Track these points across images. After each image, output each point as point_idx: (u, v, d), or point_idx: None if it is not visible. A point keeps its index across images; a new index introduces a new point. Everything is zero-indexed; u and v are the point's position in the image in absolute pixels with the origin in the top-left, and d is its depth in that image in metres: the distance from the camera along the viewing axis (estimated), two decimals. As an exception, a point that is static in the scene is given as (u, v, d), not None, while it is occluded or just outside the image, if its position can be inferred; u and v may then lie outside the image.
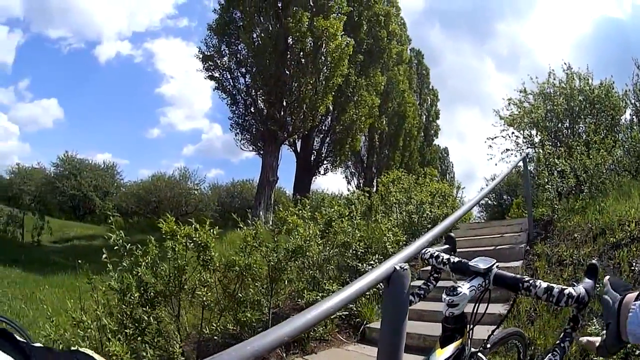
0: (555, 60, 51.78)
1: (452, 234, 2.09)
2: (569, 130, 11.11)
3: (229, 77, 17.01)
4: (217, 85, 17.08)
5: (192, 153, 56.57)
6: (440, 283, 1.95)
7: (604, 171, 8.01)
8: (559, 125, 11.14)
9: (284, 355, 5.26)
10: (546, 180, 7.85)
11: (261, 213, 14.89)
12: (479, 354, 1.75)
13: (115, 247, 4.97)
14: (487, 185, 20.16)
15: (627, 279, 4.62)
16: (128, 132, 59.63)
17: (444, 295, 1.55)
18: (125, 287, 4.90)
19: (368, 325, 5.86)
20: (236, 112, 17.52)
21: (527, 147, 11.24)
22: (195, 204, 25.12)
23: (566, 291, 1.47)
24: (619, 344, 1.38)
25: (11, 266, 11.58)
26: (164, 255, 5.26)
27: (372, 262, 6.78)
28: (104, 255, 4.85)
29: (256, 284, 5.75)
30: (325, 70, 16.14)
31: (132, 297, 4.89)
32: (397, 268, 1.81)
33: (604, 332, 1.44)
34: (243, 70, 16.84)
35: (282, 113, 16.27)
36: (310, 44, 15.75)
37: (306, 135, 19.42)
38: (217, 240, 5.53)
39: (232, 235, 9.77)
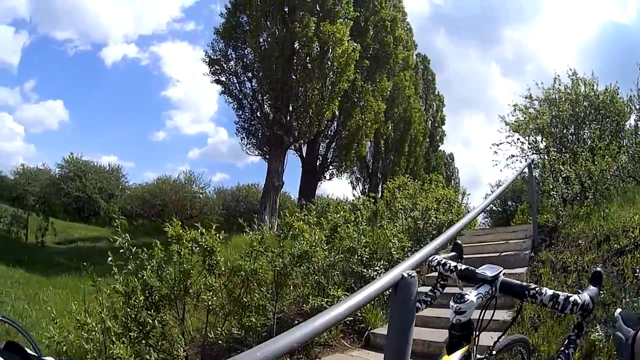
0: (560, 64, 51.83)
1: (458, 241, 2.10)
2: (574, 136, 11.10)
3: (235, 81, 17.03)
4: (223, 89, 17.11)
5: (198, 157, 56.60)
6: (446, 289, 1.96)
7: (609, 177, 7.98)
8: (564, 131, 11.14)
9: (289, 360, 5.25)
10: (551, 186, 7.83)
11: (266, 218, 14.88)
12: None
13: (121, 250, 4.97)
14: (492, 191, 20.17)
15: (630, 285, 4.60)
16: (134, 134, 59.73)
17: (451, 303, 1.56)
18: (130, 290, 4.90)
19: (372, 331, 5.83)
20: (242, 116, 17.56)
21: (533, 153, 11.24)
22: (200, 207, 25.12)
23: (571, 299, 1.49)
24: None
25: (15, 266, 11.60)
26: (169, 258, 5.27)
27: (377, 268, 6.76)
28: (109, 258, 4.85)
29: (261, 288, 5.75)
30: (332, 75, 16.12)
31: (137, 301, 4.89)
32: (405, 275, 1.81)
33: None
34: (249, 74, 16.84)
35: (288, 118, 16.28)
36: (317, 48, 15.76)
37: (312, 140, 19.43)
38: (222, 245, 5.53)
39: (237, 240, 9.78)
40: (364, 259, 6.93)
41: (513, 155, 11.63)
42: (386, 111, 21.00)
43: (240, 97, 17.10)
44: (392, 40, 20.53)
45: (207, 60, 16.84)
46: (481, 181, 75.40)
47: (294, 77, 15.89)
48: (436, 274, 1.95)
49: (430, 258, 1.97)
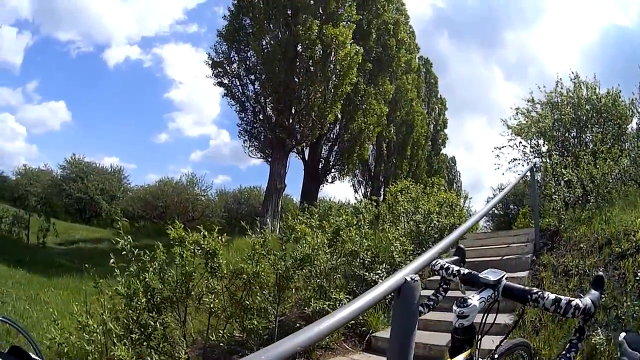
0: (562, 67, 51.76)
1: (461, 246, 2.12)
2: (576, 140, 11.11)
3: (238, 83, 17.02)
4: (226, 91, 17.12)
5: (200, 159, 56.64)
6: (447, 293, 1.97)
7: (611, 181, 7.99)
8: (566, 134, 11.15)
9: (289, 363, 5.23)
10: (553, 190, 7.82)
11: (268, 220, 14.88)
12: None
13: (124, 252, 4.97)
14: (494, 195, 20.17)
15: (632, 289, 4.59)
16: (136, 136, 59.78)
17: (454, 307, 1.58)
18: (132, 292, 4.90)
19: (374, 334, 5.82)
20: (245, 119, 17.55)
21: (535, 157, 11.24)
22: (202, 210, 25.12)
23: (573, 303, 1.51)
24: None
25: (16, 267, 11.58)
26: (171, 260, 5.27)
27: (379, 271, 6.77)
28: (111, 260, 4.85)
29: (263, 291, 5.75)
30: (334, 79, 16.13)
31: (139, 303, 4.89)
32: (408, 279, 1.82)
33: None
34: (252, 77, 16.87)
35: (290, 121, 16.28)
36: (320, 51, 15.74)
37: (314, 143, 19.37)
38: (224, 247, 5.54)
39: (239, 242, 9.77)
40: (366, 262, 6.93)
41: (515, 159, 11.65)
42: (388, 114, 20.96)
43: (243, 99, 17.10)
44: (395, 43, 20.54)
45: (210, 62, 16.86)
46: (483, 185, 75.39)
47: (296, 79, 15.90)
48: (438, 277, 1.96)
49: (434, 262, 1.99)
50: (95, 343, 4.67)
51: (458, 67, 65.08)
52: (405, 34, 22.59)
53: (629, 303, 4.25)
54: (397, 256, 7.16)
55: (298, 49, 15.86)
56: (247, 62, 16.85)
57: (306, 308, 6.12)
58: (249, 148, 17.70)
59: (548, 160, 9.79)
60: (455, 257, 2.05)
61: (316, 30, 15.10)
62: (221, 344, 5.36)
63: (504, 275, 1.69)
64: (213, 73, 16.90)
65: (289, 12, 15.89)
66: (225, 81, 17.01)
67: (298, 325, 5.90)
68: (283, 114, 16.13)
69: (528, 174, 7.66)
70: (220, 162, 58.71)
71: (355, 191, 26.05)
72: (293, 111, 16.31)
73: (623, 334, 1.49)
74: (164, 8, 59.38)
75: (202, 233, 5.31)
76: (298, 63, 15.85)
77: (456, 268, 1.88)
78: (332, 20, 16.01)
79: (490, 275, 1.69)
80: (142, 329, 4.90)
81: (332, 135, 20.60)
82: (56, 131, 53.65)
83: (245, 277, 5.47)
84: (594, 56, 59.68)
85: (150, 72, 59.69)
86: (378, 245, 7.58)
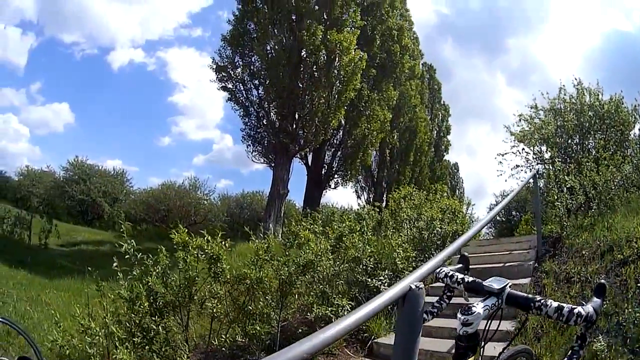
0: (565, 73, 51.97)
1: (465, 253, 2.13)
2: (579, 146, 11.12)
3: (242, 88, 17.01)
4: (230, 96, 17.09)
5: (203, 163, 56.59)
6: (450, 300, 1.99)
7: (613, 187, 7.99)
8: (569, 141, 11.16)
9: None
10: (555, 197, 7.82)
11: (271, 225, 14.87)
12: None
13: (127, 256, 4.98)
14: (496, 202, 20.20)
15: (633, 295, 4.60)
16: (139, 139, 59.70)
17: (459, 315, 1.60)
18: (135, 295, 4.91)
19: (376, 340, 5.79)
20: (248, 123, 17.51)
21: (537, 164, 11.23)
22: (204, 214, 25.16)
23: (576, 310, 1.54)
24: None
25: (17, 267, 11.60)
26: (173, 264, 5.28)
27: (381, 277, 6.75)
28: (114, 264, 4.87)
29: (266, 297, 5.75)
30: (338, 84, 16.12)
31: (142, 306, 4.89)
32: (413, 287, 1.82)
33: None
34: (256, 82, 16.85)
35: (294, 126, 16.30)
36: (324, 57, 15.77)
37: (317, 149, 19.39)
38: (226, 252, 5.54)
39: (241, 247, 9.78)
40: (369, 268, 6.91)
41: (518, 166, 11.67)
42: (392, 120, 20.94)
43: (247, 104, 17.10)
44: (399, 49, 20.52)
45: (214, 67, 16.84)
46: (486, 191, 75.25)
47: (300, 85, 15.92)
48: (440, 283, 1.98)
49: (438, 270, 2.01)
50: (97, 346, 4.68)
51: (461, 73, 65.21)
52: (409, 40, 22.60)
53: (630, 310, 4.25)
54: (399, 263, 7.14)
55: (302, 54, 15.89)
56: (251, 67, 16.84)
57: (309, 314, 6.10)
58: (252, 153, 17.67)
59: (551, 167, 9.79)
60: (460, 265, 2.07)
61: (320, 36, 15.11)
62: (223, 349, 5.36)
63: (508, 284, 1.71)
64: (217, 77, 16.90)
65: (293, 18, 15.93)
66: (230, 86, 17.00)
67: (300, 330, 5.90)
68: (287, 119, 16.15)
69: (531, 180, 7.67)
70: (223, 167, 58.69)
71: (358, 197, 26.06)
72: (297, 116, 16.33)
73: None
74: (169, 12, 59.57)
75: (205, 238, 5.32)
76: (302, 68, 15.88)
77: (460, 276, 1.89)
78: (337, 25, 16.03)
79: (494, 283, 1.71)
80: (145, 333, 4.91)
81: (335, 141, 20.58)
82: (59, 133, 53.63)
83: (248, 282, 5.48)
84: (596, 62, 59.72)
85: (154, 76, 59.78)
86: (381, 251, 7.57)
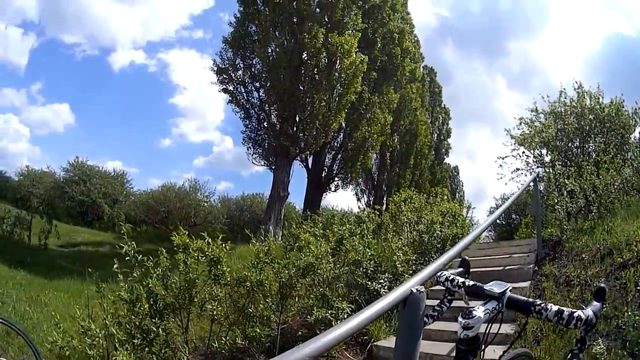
0: (566, 77, 51.82)
1: (466, 257, 2.15)
2: (579, 150, 11.14)
3: (242, 90, 17.01)
4: (230, 98, 17.07)
5: (203, 165, 56.65)
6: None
7: (613, 191, 8.00)
8: (569, 144, 11.18)
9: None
10: (556, 200, 7.83)
11: (271, 228, 14.84)
12: None
13: (127, 258, 4.99)
14: (497, 205, 20.20)
15: (633, 298, 4.62)
16: (139, 141, 59.72)
17: (459, 318, 1.61)
18: (135, 297, 4.91)
19: (375, 343, 5.80)
20: (249, 126, 17.53)
21: (537, 167, 11.27)
22: (204, 216, 25.16)
23: (576, 314, 1.55)
24: None
25: (17, 268, 11.58)
26: (173, 266, 5.28)
27: (381, 280, 6.76)
28: (115, 265, 4.87)
29: (266, 299, 5.75)
30: (339, 87, 16.12)
31: (142, 308, 4.90)
32: (414, 291, 1.84)
33: None
34: (257, 84, 16.85)
35: (294, 129, 16.29)
36: (325, 60, 15.75)
37: (318, 152, 19.38)
38: (226, 254, 5.55)
39: (241, 249, 9.78)
40: (369, 271, 6.91)
41: (518, 169, 11.71)
42: (392, 123, 20.94)
43: (248, 106, 17.08)
44: (400, 52, 20.52)
45: (215, 69, 16.83)
46: (486, 194, 75.17)
47: (301, 88, 15.91)
48: (440, 287, 1.99)
49: (439, 274, 2.02)
50: (97, 347, 4.68)
51: (462, 76, 65.31)
52: (410, 43, 22.62)
53: (629, 313, 4.27)
54: (399, 266, 7.15)
55: (303, 57, 15.87)
56: (253, 69, 16.85)
57: (308, 316, 6.10)
58: (252, 155, 17.67)
59: (551, 170, 9.80)
60: (460, 269, 2.09)
61: (322, 39, 15.09)
62: (223, 351, 5.37)
63: (508, 287, 1.72)
64: (218, 79, 16.90)
65: (294, 20, 15.92)
66: (230, 88, 16.99)
67: (300, 333, 5.91)
68: (287, 121, 16.15)
69: (531, 184, 7.69)
70: (223, 169, 58.81)
71: (358, 200, 26.03)
72: (297, 119, 16.32)
73: None
74: (170, 13, 59.71)
75: (206, 240, 5.32)
76: (303, 71, 15.85)
77: (461, 280, 1.91)
78: (338, 28, 16.04)
79: (495, 287, 1.71)
80: (144, 335, 4.91)
81: (335, 144, 20.57)
82: (59, 133, 53.67)
83: (248, 284, 5.49)
84: (597, 65, 59.85)
85: (155, 77, 59.91)
86: (381, 254, 7.58)
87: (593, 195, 7.95)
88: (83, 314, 4.95)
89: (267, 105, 16.78)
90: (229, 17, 17.51)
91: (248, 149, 17.70)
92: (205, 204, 26.21)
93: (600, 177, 8.05)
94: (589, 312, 1.55)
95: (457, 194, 34.07)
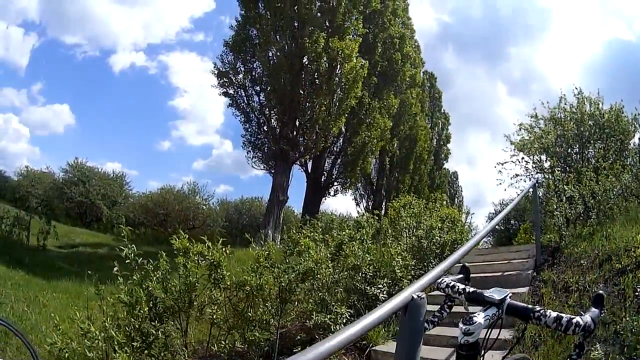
0: (565, 82, 52.02)
1: (466, 264, 2.16)
2: (579, 156, 11.19)
3: (243, 94, 17.07)
4: (231, 102, 17.16)
5: (202, 168, 56.44)
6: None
7: (612, 197, 8.02)
8: (569, 150, 11.24)
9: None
10: (555, 206, 7.85)
11: (270, 232, 14.87)
12: None
13: (127, 261, 5.00)
14: (495, 211, 20.22)
15: (631, 304, 4.63)
16: (139, 143, 59.51)
17: (460, 324, 1.63)
18: (135, 300, 4.92)
19: (374, 348, 5.78)
20: (249, 129, 17.56)
21: (537, 173, 11.29)
22: (203, 218, 25.09)
23: (574, 320, 1.57)
24: None
25: (15, 268, 11.56)
26: (173, 269, 5.29)
27: (380, 285, 6.76)
28: (115, 268, 4.88)
29: (266, 304, 5.76)
30: (340, 92, 16.18)
31: (142, 311, 4.90)
32: (415, 297, 1.87)
33: None
34: (258, 88, 16.92)
35: (294, 133, 16.34)
36: (326, 64, 15.80)
37: (317, 156, 19.40)
38: (226, 258, 5.57)
39: (240, 253, 9.76)
40: (368, 276, 6.92)
41: (517, 175, 11.77)
42: (392, 128, 20.96)
43: (248, 110, 17.14)
44: (400, 57, 20.61)
45: (216, 72, 16.91)
46: (485, 200, 75.11)
47: (302, 92, 15.96)
48: (439, 292, 2.00)
49: (440, 280, 2.03)
50: (96, 350, 4.68)
51: (462, 81, 65.29)
52: (411, 48, 22.71)
53: (627, 318, 4.28)
54: (398, 271, 7.15)
55: (304, 61, 15.94)
56: (253, 73, 16.93)
57: (307, 321, 6.09)
58: (252, 159, 17.73)
59: (550, 176, 9.82)
60: (460, 275, 2.11)
61: (322, 43, 15.17)
62: (222, 355, 5.37)
63: (508, 294, 1.73)
64: (218, 83, 16.97)
65: (295, 24, 15.98)
66: (231, 91, 17.06)
67: (299, 337, 5.90)
68: (287, 126, 16.20)
69: (530, 190, 7.71)
70: (222, 172, 58.61)
71: (357, 204, 26.06)
72: (297, 123, 16.38)
73: None
74: (171, 16, 59.55)
75: (206, 244, 5.34)
76: (304, 75, 15.91)
77: (461, 286, 1.92)
78: (339, 33, 16.10)
79: (495, 294, 1.73)
80: (144, 337, 4.91)
81: (335, 148, 20.63)
82: (59, 134, 53.45)
83: (248, 289, 5.50)
84: (597, 71, 59.78)
85: (155, 79, 59.71)
86: (380, 259, 7.58)
87: (592, 201, 7.98)
88: (82, 316, 4.95)
89: (267, 109, 16.85)
90: (230, 20, 17.60)
91: (248, 153, 17.79)
92: (204, 207, 26.14)
93: (600, 183, 8.08)
94: (587, 318, 1.57)
95: (456, 200, 34.08)
